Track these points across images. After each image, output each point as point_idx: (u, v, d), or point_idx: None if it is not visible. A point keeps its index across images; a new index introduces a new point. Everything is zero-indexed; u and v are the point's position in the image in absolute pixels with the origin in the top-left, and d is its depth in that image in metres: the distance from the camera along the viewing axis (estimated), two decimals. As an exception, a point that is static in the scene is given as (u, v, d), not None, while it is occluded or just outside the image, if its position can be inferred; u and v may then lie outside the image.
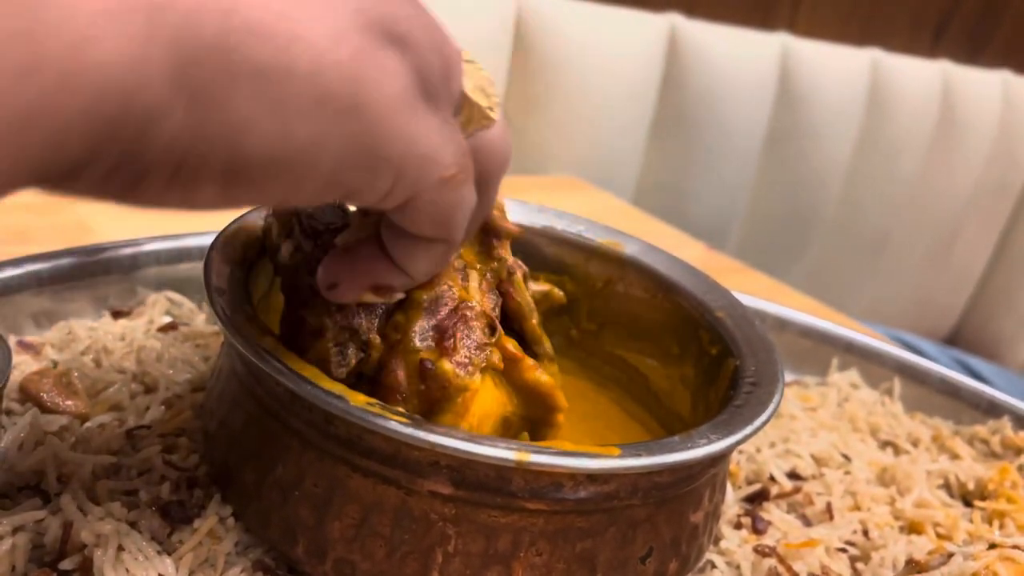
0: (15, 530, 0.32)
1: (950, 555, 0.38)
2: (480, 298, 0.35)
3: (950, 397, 0.60)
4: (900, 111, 1.41)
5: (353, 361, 0.32)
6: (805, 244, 1.43)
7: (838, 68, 1.36)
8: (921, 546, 0.42)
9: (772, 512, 0.44)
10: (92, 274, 0.49)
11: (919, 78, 1.43)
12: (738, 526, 0.43)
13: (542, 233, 0.47)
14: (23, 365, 0.42)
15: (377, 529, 0.31)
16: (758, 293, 0.66)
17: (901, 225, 1.48)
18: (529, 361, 0.35)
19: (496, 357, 0.34)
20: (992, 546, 0.39)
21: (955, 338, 1.59)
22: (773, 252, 1.37)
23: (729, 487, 0.46)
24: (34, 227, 0.63)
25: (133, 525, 0.33)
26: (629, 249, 0.47)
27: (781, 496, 0.46)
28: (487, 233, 0.37)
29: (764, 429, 0.51)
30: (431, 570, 0.31)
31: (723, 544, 0.41)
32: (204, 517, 0.34)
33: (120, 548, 0.32)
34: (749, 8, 1.31)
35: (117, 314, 0.49)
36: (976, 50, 1.57)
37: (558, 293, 0.43)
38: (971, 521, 0.47)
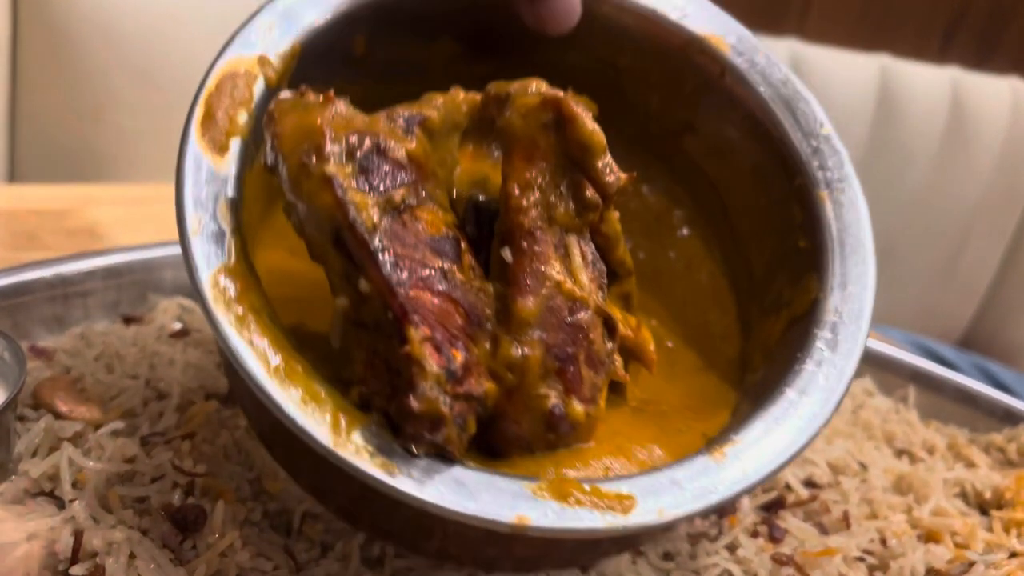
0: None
1: (971, 564, 0.37)
2: (587, 281, 0.31)
3: (966, 405, 0.59)
4: (909, 117, 1.41)
5: (474, 429, 0.28)
6: (814, 251, 1.43)
7: (847, 74, 1.35)
8: (939, 555, 0.42)
9: (789, 520, 0.44)
10: (104, 280, 0.49)
11: (928, 84, 1.42)
12: (755, 534, 0.42)
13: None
14: (36, 371, 0.42)
15: None
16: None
17: (909, 232, 1.47)
18: (641, 335, 0.33)
19: (619, 365, 0.31)
20: (1013, 555, 0.38)
21: (966, 345, 1.58)
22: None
23: (746, 496, 0.45)
24: (46, 233, 0.63)
25: (145, 532, 0.33)
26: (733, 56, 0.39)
27: (798, 504, 0.45)
28: (583, 187, 0.31)
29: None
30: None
31: (740, 552, 0.41)
32: (213, 528, 0.34)
33: (132, 556, 0.32)
34: (758, 13, 1.31)
35: (129, 320, 0.49)
36: (985, 55, 1.56)
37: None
38: (989, 530, 0.47)
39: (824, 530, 0.44)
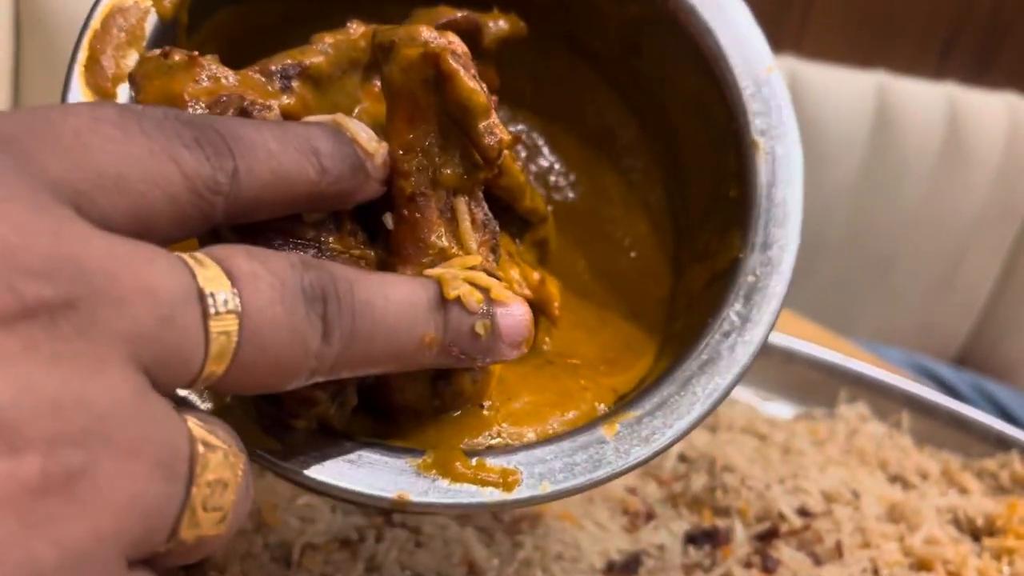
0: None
1: (961, 598, 0.38)
2: (475, 245, 0.28)
3: (959, 430, 0.60)
4: (906, 134, 1.42)
5: (355, 401, 0.28)
6: (811, 267, 1.44)
7: (844, 91, 1.36)
8: (931, 586, 0.43)
9: (782, 550, 0.44)
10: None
11: (925, 101, 1.43)
12: (748, 565, 0.43)
13: None
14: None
15: None
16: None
17: (907, 248, 1.48)
18: (545, 291, 0.32)
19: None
20: (1002, 587, 0.39)
21: (963, 361, 1.59)
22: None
23: (739, 525, 0.46)
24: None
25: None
26: None
27: (791, 533, 0.46)
28: (468, 145, 0.28)
29: (773, 464, 0.51)
30: None
31: (733, 584, 0.41)
32: (216, 563, 0.35)
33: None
34: (755, 33, 1.32)
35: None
36: (982, 70, 1.57)
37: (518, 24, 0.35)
38: (980, 557, 0.47)
39: (817, 560, 0.45)
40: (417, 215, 0.28)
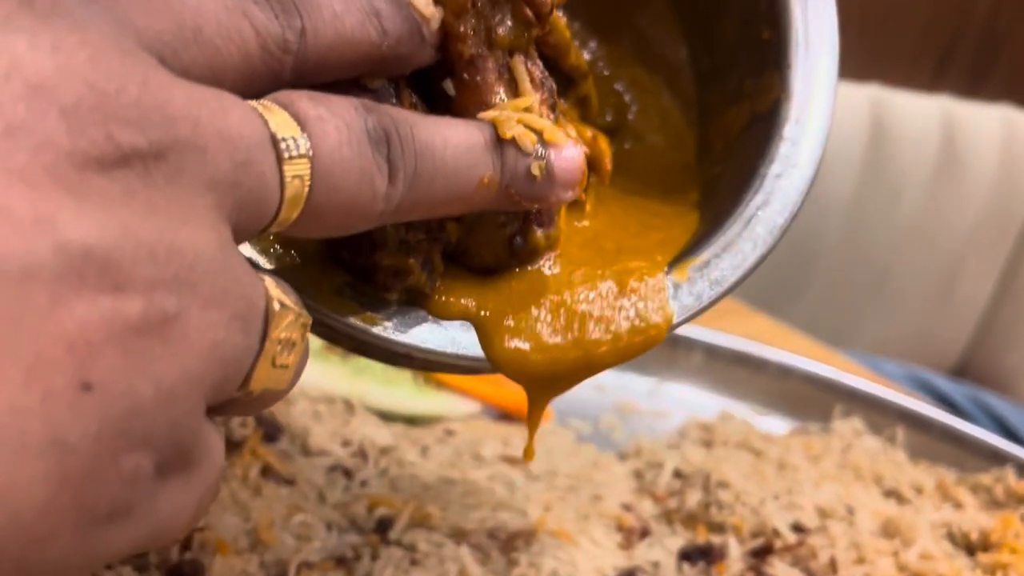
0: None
1: (953, 615, 0.38)
2: (537, 104, 0.29)
3: (954, 444, 0.60)
4: (902, 147, 1.42)
5: (441, 268, 0.29)
6: (807, 281, 1.44)
7: (839, 105, 1.37)
8: (925, 602, 0.43)
9: (777, 567, 0.44)
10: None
11: (920, 114, 1.44)
12: (742, 582, 0.43)
13: None
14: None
15: None
16: (759, 336, 0.66)
17: (903, 261, 1.48)
18: (596, 146, 0.33)
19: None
20: (995, 604, 0.39)
21: (961, 372, 1.59)
22: (774, 289, 1.38)
23: (734, 541, 0.46)
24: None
25: (145, 588, 0.34)
26: None
27: (786, 550, 0.46)
28: (520, 4, 0.29)
29: (767, 479, 0.51)
30: None
31: (728, 601, 0.42)
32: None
33: (132, 612, 0.32)
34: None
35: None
36: (976, 83, 1.58)
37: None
38: (974, 572, 0.48)
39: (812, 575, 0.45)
40: (478, 78, 0.28)
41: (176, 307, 0.18)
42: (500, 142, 0.27)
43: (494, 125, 0.27)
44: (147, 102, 0.18)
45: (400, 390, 0.55)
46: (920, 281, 1.51)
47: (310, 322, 0.23)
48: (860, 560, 0.46)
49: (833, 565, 0.45)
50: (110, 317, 0.17)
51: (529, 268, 0.30)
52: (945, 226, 1.49)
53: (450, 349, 0.29)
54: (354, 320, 0.28)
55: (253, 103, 0.21)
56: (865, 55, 1.45)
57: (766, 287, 1.36)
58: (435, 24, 0.27)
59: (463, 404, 0.56)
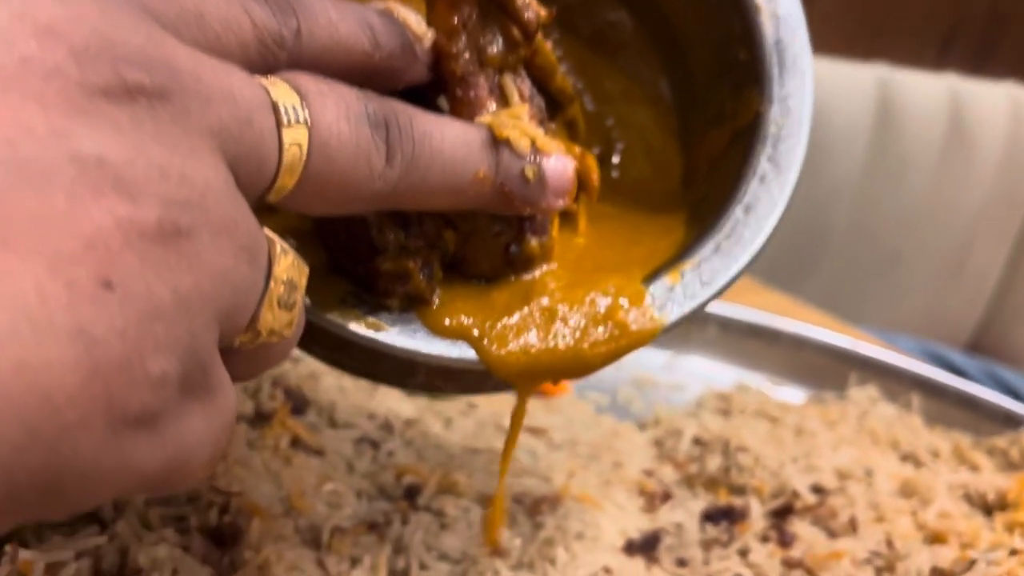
0: (78, 555, 0.33)
1: (972, 562, 0.39)
2: (527, 119, 0.30)
3: (968, 410, 0.61)
4: (908, 126, 1.43)
5: (440, 275, 0.31)
6: (817, 261, 1.45)
7: (845, 84, 1.37)
8: (945, 556, 0.43)
9: (797, 526, 0.45)
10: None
11: (927, 92, 1.44)
12: (765, 539, 0.44)
13: None
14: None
15: None
16: (773, 311, 0.67)
17: (913, 240, 1.48)
18: (584, 163, 0.33)
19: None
20: (1014, 552, 0.40)
21: (974, 350, 1.59)
22: (785, 269, 1.38)
23: (755, 503, 0.47)
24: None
25: (186, 549, 0.35)
26: None
27: (806, 510, 0.47)
28: (509, 25, 0.30)
29: (786, 444, 0.52)
30: None
31: (751, 557, 0.42)
32: (250, 544, 0.36)
33: (175, 572, 0.33)
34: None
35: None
36: (982, 61, 1.58)
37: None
38: (992, 530, 0.48)
39: (832, 534, 0.46)
40: (471, 94, 0.29)
41: (189, 225, 0.19)
42: (495, 143, 0.28)
43: (490, 127, 0.28)
44: (153, 53, 0.19)
45: (422, 365, 0.55)
46: (930, 258, 1.51)
47: (308, 270, 0.24)
48: (879, 519, 0.47)
49: (853, 524, 0.46)
50: (126, 223, 0.18)
51: (525, 277, 0.32)
52: (954, 203, 1.49)
53: (454, 354, 0.30)
54: (359, 327, 0.29)
55: (255, 76, 0.22)
56: (870, 34, 1.46)
57: (776, 268, 1.37)
58: (427, 43, 0.29)
59: (484, 378, 0.57)
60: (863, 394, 0.61)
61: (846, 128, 1.36)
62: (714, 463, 0.50)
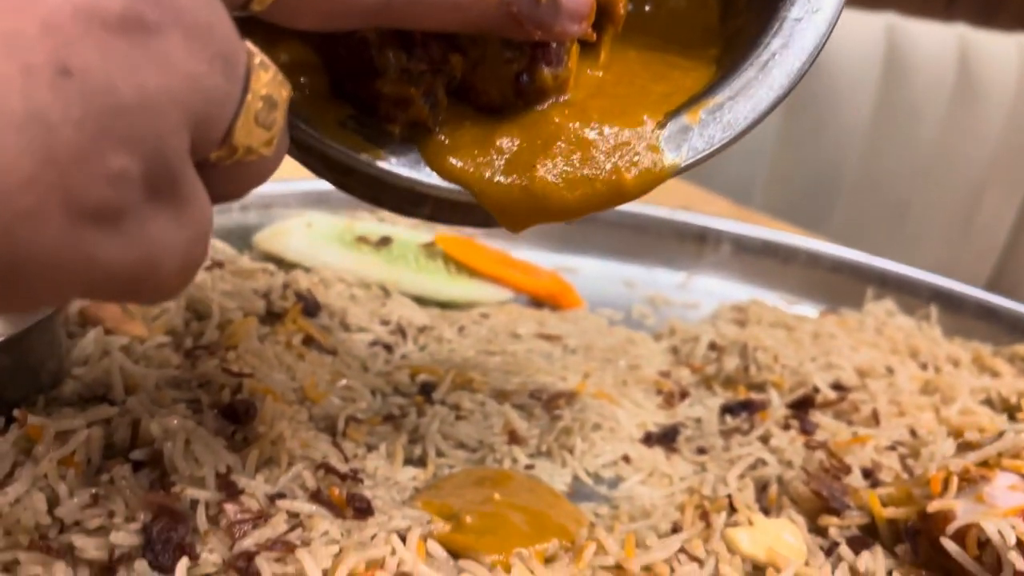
0: (89, 424, 0.33)
1: (1001, 433, 0.38)
2: None
3: (987, 321, 0.60)
4: (917, 75, 1.41)
5: (444, 102, 0.29)
6: (827, 212, 1.43)
7: (854, 34, 1.36)
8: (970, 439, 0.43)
9: (818, 418, 0.44)
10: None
11: (935, 42, 1.42)
12: (786, 427, 0.43)
13: None
14: (80, 297, 0.43)
15: None
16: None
17: (924, 190, 1.47)
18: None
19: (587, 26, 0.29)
20: (1043, 429, 0.39)
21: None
22: (795, 220, 1.37)
23: (775, 395, 0.46)
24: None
25: (199, 423, 0.34)
26: None
27: (826, 404, 0.46)
28: None
29: (804, 346, 0.51)
30: None
31: (773, 443, 0.42)
32: (264, 420, 0.35)
33: (188, 442, 0.33)
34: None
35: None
36: (991, 11, 1.56)
37: None
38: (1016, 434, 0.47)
39: (854, 426, 0.45)
40: None
41: (157, 20, 0.18)
42: None
43: None
44: None
45: (433, 277, 0.55)
46: (941, 210, 1.50)
47: (290, 89, 0.23)
48: (901, 414, 0.46)
49: (875, 417, 0.45)
50: (88, 8, 0.17)
51: (535, 109, 0.30)
52: (963, 154, 1.48)
53: (451, 184, 0.29)
54: (352, 150, 0.28)
55: None
56: (878, -17, 1.43)
57: (786, 218, 1.35)
58: None
59: (495, 291, 0.56)
60: (880, 307, 0.60)
61: (855, 77, 1.34)
62: (732, 364, 0.49)
